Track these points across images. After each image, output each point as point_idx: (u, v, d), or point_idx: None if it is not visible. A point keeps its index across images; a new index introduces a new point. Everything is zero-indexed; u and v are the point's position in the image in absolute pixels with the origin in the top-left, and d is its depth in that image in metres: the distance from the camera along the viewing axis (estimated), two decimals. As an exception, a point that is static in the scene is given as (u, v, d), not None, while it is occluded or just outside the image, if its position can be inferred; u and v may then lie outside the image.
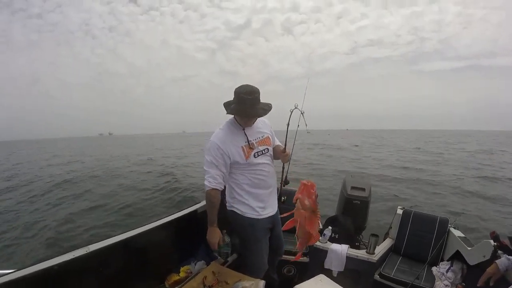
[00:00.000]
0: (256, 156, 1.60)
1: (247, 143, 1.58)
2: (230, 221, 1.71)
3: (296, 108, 1.86)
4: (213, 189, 1.52)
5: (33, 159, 21.99)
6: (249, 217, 1.62)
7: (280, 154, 1.73)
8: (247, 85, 1.50)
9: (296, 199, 0.94)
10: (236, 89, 1.50)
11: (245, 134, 1.59)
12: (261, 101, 1.54)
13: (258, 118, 1.63)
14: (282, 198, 1.94)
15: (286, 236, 1.98)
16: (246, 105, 1.47)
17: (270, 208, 1.70)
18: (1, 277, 1.12)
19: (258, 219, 1.63)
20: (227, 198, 1.69)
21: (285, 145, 1.76)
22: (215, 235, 1.62)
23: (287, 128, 1.90)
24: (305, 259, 2.30)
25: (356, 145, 26.57)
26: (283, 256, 2.00)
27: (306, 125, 2.04)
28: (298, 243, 0.99)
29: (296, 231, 0.96)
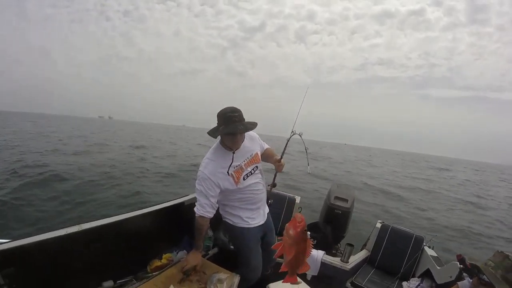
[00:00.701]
0: (245, 178, 1.64)
1: (235, 168, 1.60)
2: (226, 230, 1.83)
3: (299, 134, 2.00)
4: (200, 216, 1.58)
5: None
6: (240, 227, 1.72)
7: (274, 162, 1.81)
8: (228, 106, 1.53)
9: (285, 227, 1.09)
10: (219, 112, 1.51)
11: (233, 159, 1.59)
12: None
13: (245, 136, 1.63)
14: (269, 201, 2.00)
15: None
16: (235, 122, 1.47)
17: (259, 218, 1.78)
18: None
19: (248, 228, 1.72)
20: (220, 211, 1.77)
21: (281, 157, 1.84)
22: (194, 260, 1.65)
23: (284, 149, 2.00)
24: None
25: (343, 161, 26.43)
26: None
27: (308, 164, 2.15)
28: (283, 265, 1.12)
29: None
